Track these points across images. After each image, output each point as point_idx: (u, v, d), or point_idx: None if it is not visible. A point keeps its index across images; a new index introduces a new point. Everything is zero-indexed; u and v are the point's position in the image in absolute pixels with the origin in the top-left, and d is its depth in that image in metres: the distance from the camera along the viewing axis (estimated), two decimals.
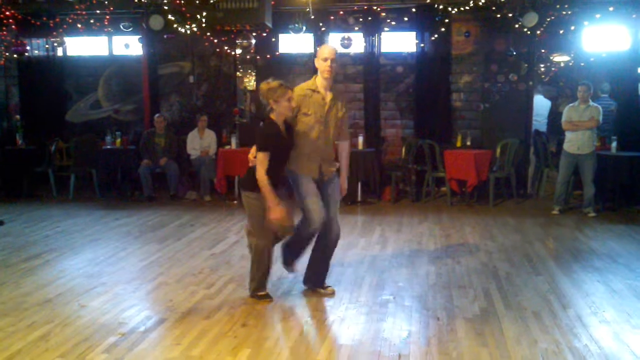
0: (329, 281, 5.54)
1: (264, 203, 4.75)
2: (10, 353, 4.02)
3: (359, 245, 7.10)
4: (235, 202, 9.78)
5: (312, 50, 10.98)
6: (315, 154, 4.99)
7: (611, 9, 9.75)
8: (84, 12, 10.85)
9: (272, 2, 10.11)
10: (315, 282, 5.34)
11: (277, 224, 4.79)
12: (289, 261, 5.41)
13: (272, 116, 4.83)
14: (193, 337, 4.29)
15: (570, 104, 8.89)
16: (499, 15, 10.07)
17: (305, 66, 11.17)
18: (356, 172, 9.65)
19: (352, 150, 9.76)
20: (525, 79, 10.59)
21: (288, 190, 5.10)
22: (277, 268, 6.01)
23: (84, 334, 4.36)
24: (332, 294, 5.26)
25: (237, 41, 11.02)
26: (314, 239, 5.22)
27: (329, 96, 5.03)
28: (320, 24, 10.76)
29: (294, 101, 4.83)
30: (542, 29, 10.05)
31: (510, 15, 9.83)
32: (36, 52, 11.71)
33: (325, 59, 4.92)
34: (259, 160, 4.72)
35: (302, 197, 4.97)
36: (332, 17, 10.87)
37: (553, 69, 10.79)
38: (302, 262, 5.39)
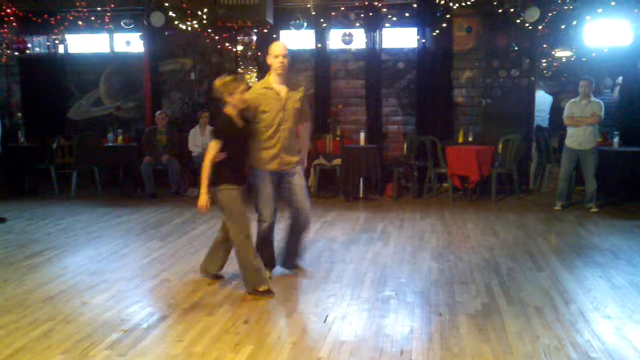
0: (330, 278, 5.57)
1: (237, 193, 5.04)
2: (13, 350, 4.03)
3: (361, 241, 7.10)
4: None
5: (314, 47, 10.98)
6: (275, 147, 5.26)
7: (613, 3, 9.72)
8: (85, 10, 10.85)
9: None
10: (288, 263, 5.77)
11: (200, 210, 5.10)
12: (290, 263, 5.82)
13: (227, 110, 5.07)
14: (195, 333, 4.30)
15: (572, 100, 8.87)
16: (500, 11, 10.04)
17: (306, 62, 11.16)
18: (358, 169, 9.67)
19: (355, 146, 9.87)
20: (527, 75, 10.58)
21: (247, 187, 5.35)
22: (277, 265, 6.03)
23: (86, 330, 4.36)
24: (301, 272, 5.72)
25: (238, 38, 11.03)
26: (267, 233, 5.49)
27: (283, 90, 5.27)
28: (322, 20, 10.75)
29: (253, 101, 5.14)
30: (543, 24, 10.02)
31: (511, 10, 9.81)
32: (37, 49, 11.73)
33: (277, 56, 5.19)
34: (210, 146, 5.00)
35: (258, 199, 5.35)
36: (333, 13, 10.86)
37: (555, 64, 10.75)
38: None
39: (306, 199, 5.46)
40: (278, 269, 5.78)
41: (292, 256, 5.74)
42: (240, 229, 5.03)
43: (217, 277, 5.57)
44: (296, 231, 5.59)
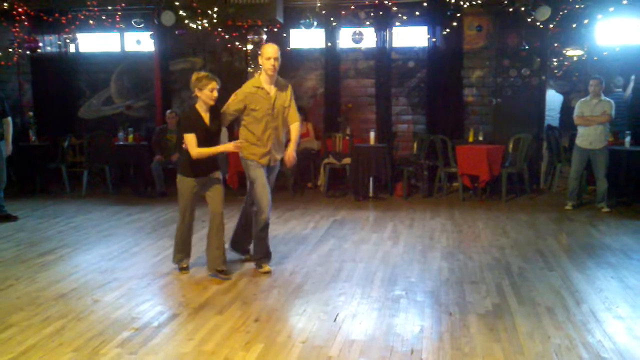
0: (340, 277, 5.58)
1: (189, 184, 5.51)
2: (25, 347, 4.06)
3: (371, 240, 7.09)
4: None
5: (324, 46, 10.97)
6: (267, 143, 5.61)
7: (625, 2, 9.65)
8: (95, 9, 10.90)
9: None
10: (238, 248, 6.18)
11: (242, 151, 5.55)
12: (241, 247, 6.24)
13: (197, 105, 5.41)
14: (206, 332, 4.31)
15: (582, 99, 8.82)
16: (511, 9, 10.00)
17: (316, 61, 11.17)
18: (368, 168, 9.66)
19: (365, 145, 9.88)
20: (538, 74, 10.53)
21: (224, 174, 5.85)
22: (289, 263, 6.04)
23: (97, 328, 4.39)
24: (247, 260, 6.05)
25: (248, 37, 11.05)
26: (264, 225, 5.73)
27: (273, 90, 5.60)
28: (332, 19, 10.75)
29: (243, 98, 5.51)
30: (554, 22, 9.97)
31: (522, 9, 9.76)
32: (48, 48, 11.79)
33: (269, 58, 5.47)
34: (187, 142, 5.31)
35: (255, 187, 5.62)
36: (343, 12, 10.86)
37: (566, 63, 10.71)
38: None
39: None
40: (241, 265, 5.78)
41: (243, 243, 6.17)
42: (183, 219, 5.75)
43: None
44: (253, 222, 5.83)
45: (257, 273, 5.75)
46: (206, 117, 5.39)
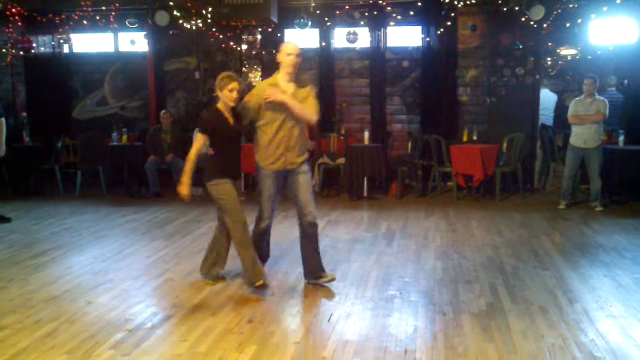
0: (336, 276, 5.56)
1: (226, 185, 5.15)
2: (17, 350, 4.04)
3: (365, 240, 7.09)
4: (242, 198, 9.78)
5: (318, 45, 10.97)
6: (279, 145, 5.21)
7: (618, 1, 9.68)
8: (89, 9, 10.87)
9: None
10: (313, 274, 5.42)
11: (182, 198, 5.21)
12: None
13: (218, 105, 5.17)
14: (199, 333, 4.30)
15: (576, 98, 8.85)
16: (505, 9, 10.02)
17: (311, 61, 11.16)
18: (362, 168, 9.67)
19: (359, 145, 9.87)
20: (532, 73, 10.55)
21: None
22: (283, 264, 6.04)
23: (90, 330, 4.37)
24: (332, 279, 5.37)
25: (242, 37, 11.05)
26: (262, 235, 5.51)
27: (290, 88, 5.20)
28: (326, 19, 10.74)
29: (257, 96, 5.14)
30: (548, 22, 9.99)
31: (516, 8, 9.79)
32: (42, 49, 11.76)
33: (289, 54, 5.13)
34: (196, 140, 5.14)
35: (259, 192, 5.36)
36: (337, 12, 10.85)
37: (560, 62, 10.72)
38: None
39: (311, 199, 5.34)
40: (295, 281, 5.77)
41: (310, 264, 5.44)
42: (235, 219, 5.12)
43: (218, 279, 5.53)
44: (305, 237, 5.39)
45: None
46: (229, 116, 5.16)
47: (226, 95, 5.07)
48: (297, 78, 5.30)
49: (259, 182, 5.35)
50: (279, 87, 5.18)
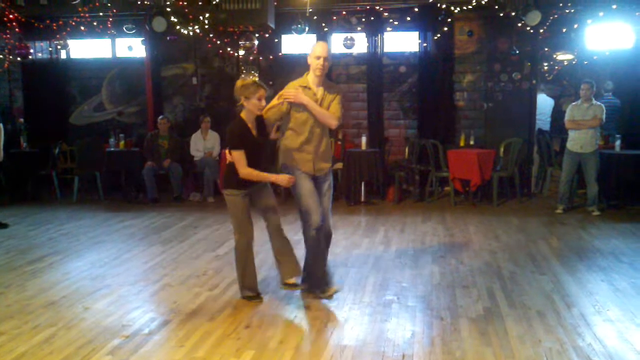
0: (333, 281, 5.54)
1: (239, 199, 4.94)
2: (15, 355, 4.04)
3: (363, 245, 7.10)
4: None
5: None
6: (309, 149, 5.06)
7: (614, 7, 9.70)
8: (87, 15, 10.86)
9: (275, 3, 10.12)
10: (314, 284, 5.23)
11: (288, 185, 4.89)
12: (319, 281, 5.19)
13: (242, 114, 4.93)
14: (197, 338, 4.30)
15: (573, 103, 8.87)
16: (501, 14, 10.04)
17: (308, 67, 11.15)
18: (360, 172, 9.67)
19: (356, 150, 9.89)
20: (529, 78, 10.57)
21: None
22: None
23: (88, 336, 4.37)
24: (331, 296, 5.14)
25: (240, 42, 11.07)
26: (317, 239, 5.08)
27: (320, 91, 5.06)
28: (323, 25, 10.76)
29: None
30: (545, 27, 10.03)
31: (513, 14, 9.80)
32: (40, 55, 11.75)
33: (318, 57, 4.98)
34: (235, 159, 4.84)
35: (299, 197, 5.04)
36: (334, 18, 10.88)
37: (556, 67, 10.77)
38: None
39: (329, 210, 5.20)
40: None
41: (316, 276, 5.21)
42: (241, 232, 5.02)
43: (295, 286, 5.18)
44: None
45: None
46: (253, 128, 4.92)
47: (255, 104, 4.83)
48: (327, 83, 5.18)
49: (294, 188, 5.03)
50: (311, 89, 5.05)
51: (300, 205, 5.05)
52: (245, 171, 4.81)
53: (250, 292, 5.13)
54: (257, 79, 4.97)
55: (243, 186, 4.95)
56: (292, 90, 4.99)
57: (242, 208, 4.98)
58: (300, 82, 5.11)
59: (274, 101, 5.05)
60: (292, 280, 5.10)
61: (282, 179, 4.84)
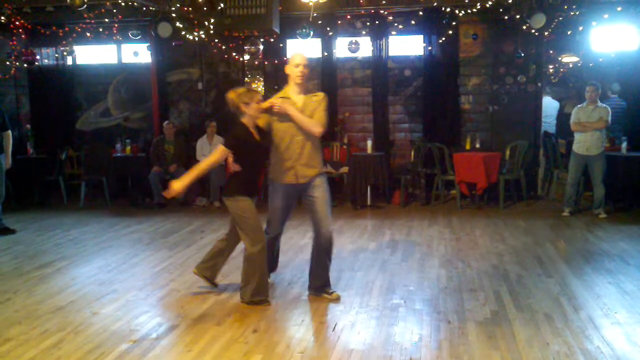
0: (339, 286, 5.57)
1: (247, 204, 5.03)
2: None
3: (369, 249, 7.10)
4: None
5: (320, 55, 11.00)
6: (290, 158, 5.16)
7: (619, 9, 9.71)
8: (92, 21, 10.92)
9: (280, 8, 10.14)
10: (317, 288, 5.37)
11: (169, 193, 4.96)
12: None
13: (244, 120, 5.05)
14: (204, 343, 4.31)
15: (579, 105, 8.86)
16: (506, 17, 10.04)
17: (313, 71, 11.18)
18: (365, 176, 9.68)
19: (362, 154, 9.89)
20: (534, 81, 10.56)
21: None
22: (287, 273, 6.04)
23: (96, 341, 4.38)
24: (337, 299, 5.26)
25: (245, 47, 11.10)
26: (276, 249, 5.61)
27: (300, 100, 5.20)
28: (328, 29, 10.79)
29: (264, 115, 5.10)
30: (550, 30, 10.01)
31: (517, 17, 9.81)
32: (46, 61, 11.79)
33: (297, 65, 5.16)
34: (217, 151, 4.99)
35: (269, 206, 5.36)
36: (339, 22, 10.89)
37: (562, 70, 10.75)
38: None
39: (327, 213, 5.20)
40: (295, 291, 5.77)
41: (316, 280, 5.39)
42: (253, 241, 5.02)
43: (212, 283, 5.59)
44: (318, 252, 5.30)
45: None
46: (255, 132, 5.06)
47: (255, 108, 4.98)
48: (307, 88, 5.31)
49: (269, 195, 5.34)
50: (291, 99, 5.17)
51: (268, 215, 5.37)
52: (205, 165, 4.95)
53: (261, 296, 5.14)
54: (247, 86, 5.07)
55: (249, 192, 5.06)
56: (277, 101, 5.12)
57: (254, 211, 5.04)
58: (281, 94, 5.29)
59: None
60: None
61: (176, 185, 4.88)
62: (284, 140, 5.15)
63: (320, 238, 5.22)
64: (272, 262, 5.68)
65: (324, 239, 5.21)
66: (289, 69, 5.20)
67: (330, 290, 5.35)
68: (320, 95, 5.33)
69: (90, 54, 12.16)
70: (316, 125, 5.13)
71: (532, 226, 8.22)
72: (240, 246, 5.29)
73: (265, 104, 5.11)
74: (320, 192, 5.21)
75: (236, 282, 5.73)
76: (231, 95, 5.04)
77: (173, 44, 11.10)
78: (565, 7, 9.75)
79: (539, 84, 10.55)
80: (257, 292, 5.12)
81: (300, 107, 5.15)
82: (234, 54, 11.23)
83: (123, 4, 10.15)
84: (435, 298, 5.25)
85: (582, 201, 9.50)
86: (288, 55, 11.14)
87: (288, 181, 5.18)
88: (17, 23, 10.93)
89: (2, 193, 8.25)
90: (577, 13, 9.93)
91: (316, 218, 5.18)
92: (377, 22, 10.73)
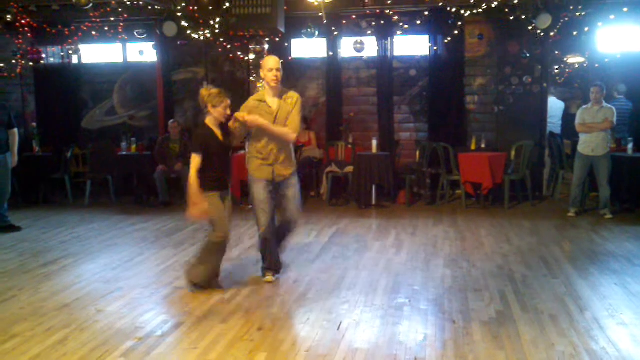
0: (343, 285, 5.58)
1: (216, 199, 5.30)
2: (29, 357, 4.06)
3: (374, 248, 7.09)
4: (250, 206, 9.79)
5: (326, 55, 11.01)
6: (268, 158, 5.50)
7: (625, 9, 9.68)
8: (98, 20, 10.94)
9: (285, 7, 10.14)
10: (274, 267, 5.81)
11: (192, 220, 5.53)
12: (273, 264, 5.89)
13: (207, 121, 5.30)
14: (209, 341, 4.31)
15: (584, 106, 8.83)
16: (512, 18, 10.02)
17: (318, 70, 11.21)
18: (370, 176, 9.68)
19: (367, 153, 9.88)
20: (539, 81, 10.54)
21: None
22: (292, 272, 6.04)
23: (101, 338, 4.39)
24: (269, 282, 5.69)
25: (250, 46, 11.11)
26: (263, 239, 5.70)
27: (275, 103, 5.48)
28: (333, 29, 10.78)
29: (246, 113, 5.37)
30: (555, 30, 9.99)
31: (523, 17, 9.79)
32: (52, 59, 11.82)
33: (271, 69, 5.39)
34: (192, 162, 5.20)
35: (253, 201, 5.62)
36: (344, 22, 10.89)
37: (567, 70, 10.73)
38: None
39: (297, 210, 5.69)
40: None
41: (273, 258, 5.81)
42: (216, 231, 5.33)
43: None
44: (281, 234, 5.80)
45: (260, 282, 5.76)
46: (218, 132, 5.32)
47: (221, 112, 5.25)
48: (284, 91, 5.55)
49: (251, 191, 5.62)
50: (266, 102, 5.46)
51: (253, 210, 5.63)
52: (192, 175, 5.14)
53: (207, 285, 5.47)
54: (220, 89, 5.31)
55: (217, 188, 5.30)
56: (249, 117, 5.35)
57: (221, 208, 5.32)
58: (258, 96, 5.58)
59: (231, 124, 5.42)
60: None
61: (195, 211, 5.15)
62: (262, 140, 5.48)
63: (286, 223, 5.71)
64: (272, 261, 5.78)
65: (290, 223, 5.71)
66: (263, 73, 5.44)
67: (268, 274, 5.75)
68: (295, 96, 5.60)
69: (96, 53, 12.19)
70: (289, 133, 5.47)
71: (537, 227, 8.20)
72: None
73: (239, 116, 5.35)
74: (292, 192, 5.64)
75: (241, 280, 5.75)
76: (203, 92, 5.28)
77: (178, 43, 11.13)
78: (571, 7, 9.73)
79: (545, 85, 10.53)
80: (207, 280, 5.45)
81: (275, 110, 5.45)
82: (239, 53, 11.25)
83: (128, 3, 10.17)
84: (440, 298, 5.24)
85: (587, 202, 9.47)
86: (293, 55, 11.21)
87: (265, 177, 5.53)
88: (23, 22, 10.96)
89: (8, 190, 8.28)
90: (583, 14, 9.90)
91: (288, 215, 5.67)
92: (382, 22, 10.72)
